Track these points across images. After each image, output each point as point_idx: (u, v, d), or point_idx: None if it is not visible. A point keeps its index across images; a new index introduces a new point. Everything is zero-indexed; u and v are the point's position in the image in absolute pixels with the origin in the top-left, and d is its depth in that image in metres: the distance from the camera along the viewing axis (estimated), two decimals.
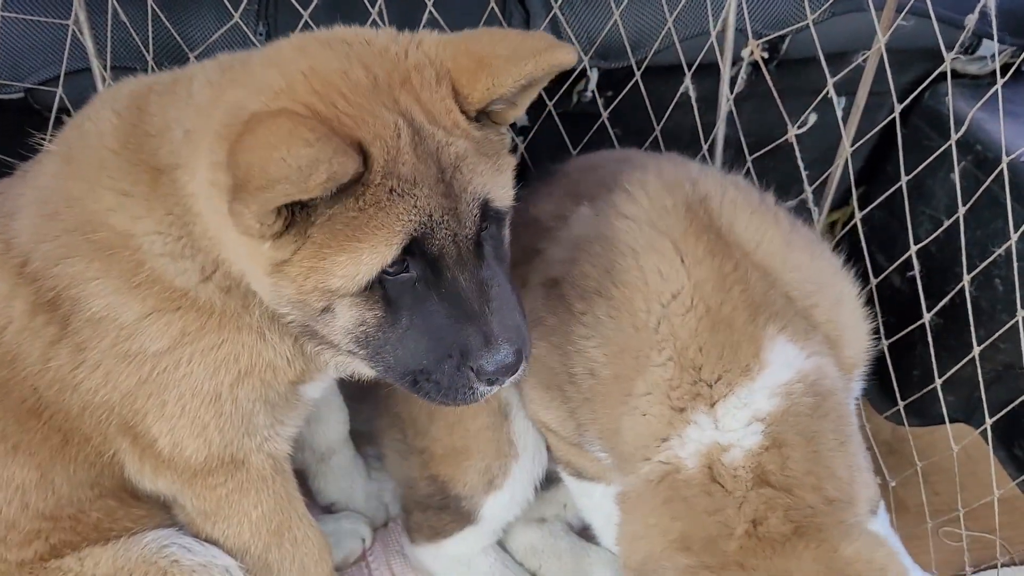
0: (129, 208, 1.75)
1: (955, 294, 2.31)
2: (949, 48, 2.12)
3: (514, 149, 2.78)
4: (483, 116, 1.71)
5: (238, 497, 1.95)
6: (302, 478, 2.35)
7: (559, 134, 2.70)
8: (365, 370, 1.84)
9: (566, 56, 1.66)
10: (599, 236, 2.01)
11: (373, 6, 2.38)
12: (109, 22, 2.34)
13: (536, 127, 2.73)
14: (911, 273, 2.40)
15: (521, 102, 1.73)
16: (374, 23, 2.36)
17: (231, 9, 2.37)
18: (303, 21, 2.35)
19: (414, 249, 1.59)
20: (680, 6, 2.44)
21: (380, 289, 1.62)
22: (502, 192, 1.70)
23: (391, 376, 1.75)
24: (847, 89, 2.43)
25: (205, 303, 1.77)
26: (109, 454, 1.91)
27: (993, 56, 2.62)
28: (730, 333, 1.85)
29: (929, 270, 2.56)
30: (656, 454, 1.87)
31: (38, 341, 1.80)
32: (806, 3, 2.39)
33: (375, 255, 1.56)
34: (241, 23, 2.39)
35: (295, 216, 1.54)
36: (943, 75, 2.19)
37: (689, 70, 2.48)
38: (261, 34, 2.47)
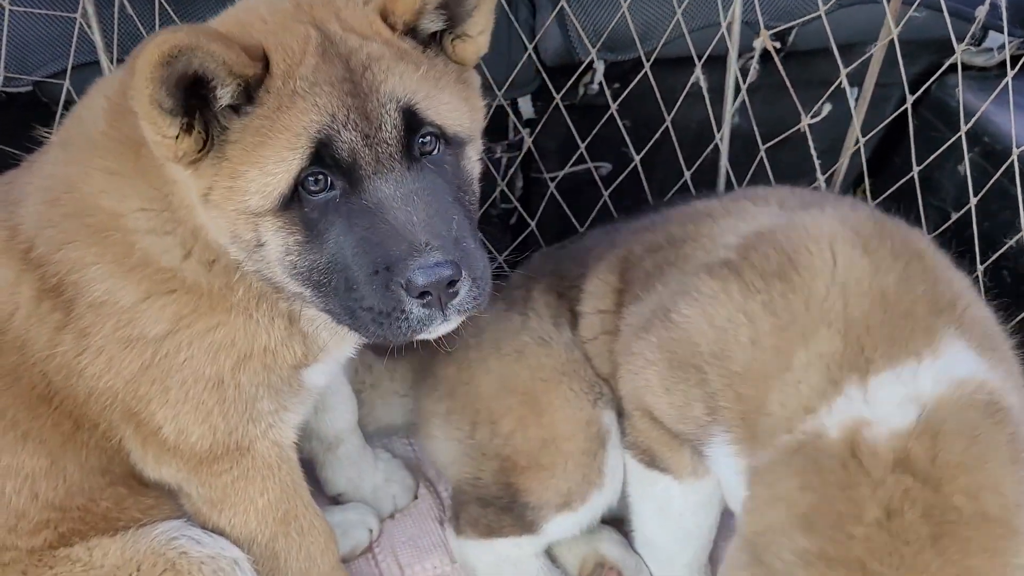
0: (117, 187, 1.77)
1: None
2: (959, 40, 2.12)
3: (520, 142, 2.79)
4: (433, 45, 1.72)
5: (244, 484, 1.95)
6: (309, 468, 2.36)
7: (566, 125, 2.70)
8: (338, 329, 1.81)
9: None
10: (786, 227, 1.96)
11: None
12: (116, 16, 2.35)
13: (544, 119, 2.73)
14: None
15: (471, 30, 1.73)
16: None
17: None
18: None
19: (325, 158, 1.58)
20: None
21: (299, 211, 1.62)
22: (445, 110, 1.67)
23: (338, 315, 1.70)
24: (854, 81, 2.43)
25: (193, 284, 1.78)
26: (116, 440, 1.91)
27: (1002, 47, 2.62)
28: (907, 321, 1.76)
29: None
30: (800, 424, 1.75)
31: (45, 327, 1.81)
32: None
33: (280, 163, 1.57)
34: None
35: (213, 139, 1.58)
36: (950, 67, 2.19)
37: (699, 61, 2.48)
38: None
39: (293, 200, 1.60)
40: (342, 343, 1.97)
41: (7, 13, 2.31)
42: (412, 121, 1.62)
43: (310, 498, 2.09)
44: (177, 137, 1.56)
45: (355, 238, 1.61)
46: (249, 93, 1.58)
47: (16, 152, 2.11)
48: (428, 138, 1.66)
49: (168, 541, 1.94)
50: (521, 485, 2.20)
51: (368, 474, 2.52)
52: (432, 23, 1.71)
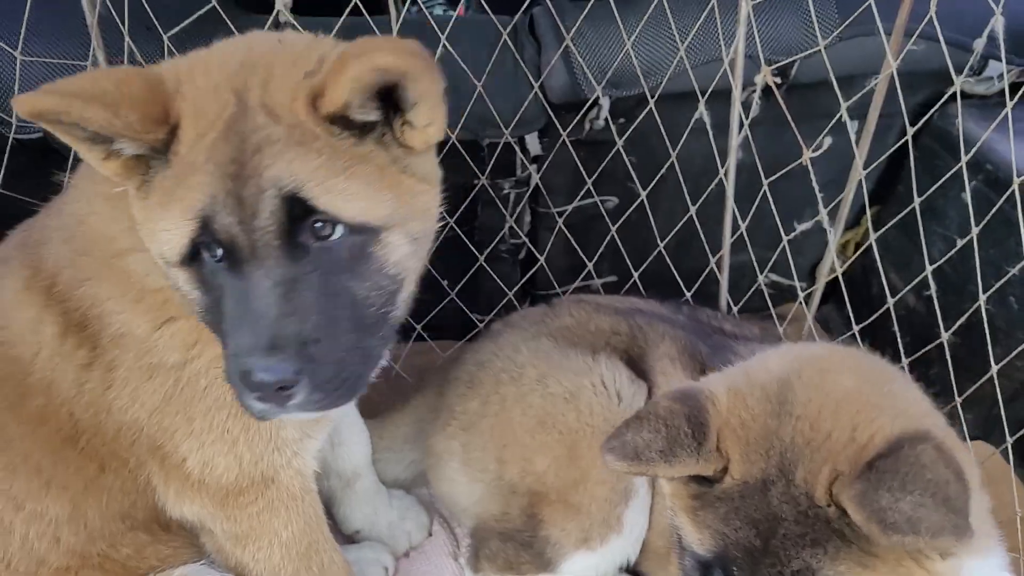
0: (111, 209, 1.79)
1: (970, 313, 2.32)
2: (958, 71, 2.14)
3: (528, 178, 2.81)
4: (378, 128, 1.63)
5: (268, 516, 1.94)
6: (325, 506, 2.34)
7: (573, 161, 2.72)
8: None
9: (383, 58, 1.51)
10: None
11: None
12: (125, 62, 2.36)
13: (551, 156, 2.75)
14: (928, 292, 2.40)
15: (416, 121, 1.63)
16: None
17: None
18: None
19: (212, 233, 1.57)
20: (691, 35, 2.47)
21: (199, 269, 1.62)
22: (343, 199, 1.57)
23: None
24: (857, 113, 2.46)
25: (182, 306, 1.77)
26: (144, 478, 1.91)
27: (1000, 76, 2.65)
28: None
29: (943, 290, 2.57)
30: None
31: (70, 365, 1.81)
32: (816, 28, 2.41)
33: (174, 227, 1.58)
34: None
35: (151, 171, 1.61)
36: (952, 96, 2.21)
37: (703, 97, 2.51)
38: None
39: (196, 258, 1.62)
40: None
41: (18, 62, 2.33)
42: (298, 209, 1.55)
43: (329, 533, 2.08)
44: (105, 158, 1.60)
45: (228, 311, 1.60)
46: (167, 144, 1.58)
47: (26, 199, 2.12)
48: (322, 224, 1.59)
49: None
50: (546, 516, 2.20)
51: (383, 510, 2.52)
52: (366, 115, 1.61)
